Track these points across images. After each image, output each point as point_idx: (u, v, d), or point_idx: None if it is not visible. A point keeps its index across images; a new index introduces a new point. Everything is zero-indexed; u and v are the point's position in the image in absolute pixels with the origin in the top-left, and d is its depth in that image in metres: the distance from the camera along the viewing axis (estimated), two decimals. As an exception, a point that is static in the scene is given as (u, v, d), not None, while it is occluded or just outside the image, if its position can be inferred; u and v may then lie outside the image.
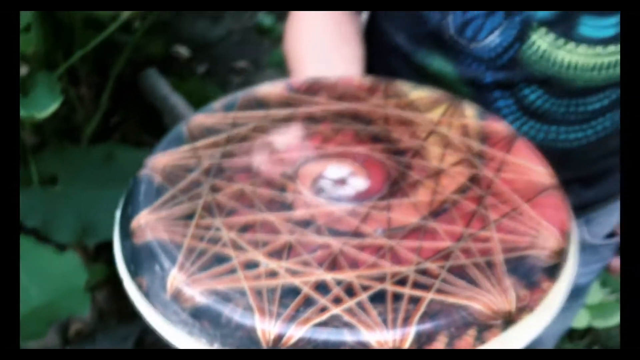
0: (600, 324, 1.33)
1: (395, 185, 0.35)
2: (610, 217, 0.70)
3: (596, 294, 1.32)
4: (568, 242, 0.32)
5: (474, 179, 0.36)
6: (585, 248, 0.70)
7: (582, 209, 0.66)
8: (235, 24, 2.59)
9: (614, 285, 1.41)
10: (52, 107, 0.86)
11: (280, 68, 2.30)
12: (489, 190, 0.35)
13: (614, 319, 1.32)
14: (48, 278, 0.76)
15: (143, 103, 2.06)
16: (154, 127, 2.01)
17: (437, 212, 0.33)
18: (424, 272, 0.29)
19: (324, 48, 0.53)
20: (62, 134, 1.53)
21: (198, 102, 2.03)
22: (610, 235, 0.71)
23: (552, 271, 0.30)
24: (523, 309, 0.28)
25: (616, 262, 0.73)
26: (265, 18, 2.54)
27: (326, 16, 0.56)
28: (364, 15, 0.62)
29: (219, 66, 2.34)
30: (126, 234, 0.33)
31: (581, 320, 1.29)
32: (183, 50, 2.34)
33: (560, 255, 0.31)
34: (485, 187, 0.35)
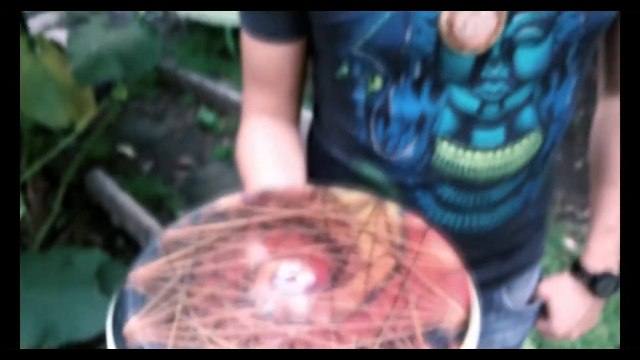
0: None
1: (335, 279, 0.44)
2: (529, 284, 0.80)
3: (533, 356, 1.41)
4: (470, 313, 0.42)
5: (397, 268, 0.45)
6: (510, 314, 0.80)
7: (502, 279, 0.76)
8: (178, 122, 2.69)
9: (548, 345, 1.52)
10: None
11: (224, 162, 2.40)
12: (409, 277, 0.44)
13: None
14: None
15: (90, 203, 2.09)
16: (101, 227, 2.03)
17: (369, 298, 0.42)
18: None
19: (270, 163, 0.62)
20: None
21: (145, 199, 2.09)
22: (531, 300, 0.81)
23: (460, 337, 0.39)
24: (438, 370, 0.37)
25: (541, 325, 0.83)
26: (207, 115, 2.66)
27: (268, 134, 0.65)
28: (304, 129, 0.72)
29: (164, 163, 2.41)
30: (119, 338, 0.40)
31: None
32: (128, 150, 2.41)
33: (465, 324, 0.40)
34: (405, 274, 0.44)
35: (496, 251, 0.71)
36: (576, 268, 0.76)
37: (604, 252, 0.74)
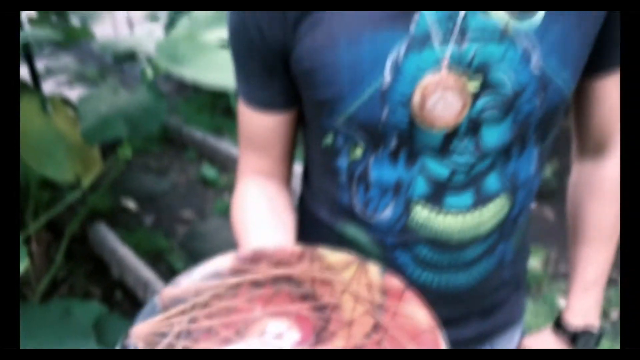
0: None
1: (319, 336, 0.48)
2: (511, 342, 0.83)
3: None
4: (441, 371, 0.45)
5: (376, 327, 0.49)
6: (492, 372, 0.82)
7: (484, 338, 0.79)
8: (180, 177, 2.75)
9: None
10: (20, 271, 0.95)
11: (224, 216, 2.44)
12: (386, 335, 0.48)
13: None
14: None
15: (91, 256, 2.12)
16: (101, 279, 2.06)
17: (348, 354, 0.46)
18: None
19: (264, 222, 0.66)
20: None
21: (145, 252, 2.12)
22: (515, 356, 0.84)
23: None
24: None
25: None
26: (209, 170, 2.72)
27: (262, 194, 0.70)
28: (296, 181, 0.77)
29: (165, 217, 2.45)
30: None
31: None
32: (131, 204, 2.46)
33: (434, 380, 0.44)
34: (383, 333, 0.48)
35: (475, 310, 0.74)
36: (558, 324, 0.79)
37: (583, 309, 0.77)
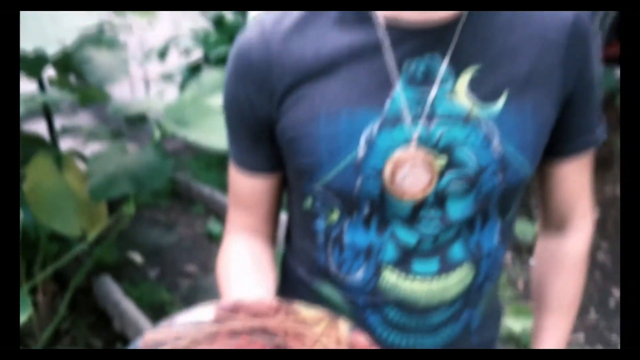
0: None
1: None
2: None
3: None
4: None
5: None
6: None
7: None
8: (187, 231, 2.81)
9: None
10: (22, 320, 1.00)
11: (227, 271, 2.46)
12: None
13: None
14: None
15: (95, 307, 2.15)
16: (103, 332, 2.09)
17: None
18: None
19: (245, 278, 0.70)
20: (16, 341, 1.61)
21: (148, 305, 2.16)
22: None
23: None
24: None
25: None
26: (214, 225, 2.78)
27: (247, 250, 0.74)
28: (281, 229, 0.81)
29: (169, 270, 2.49)
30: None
31: None
32: (137, 257, 2.50)
33: None
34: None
35: None
36: None
37: None
